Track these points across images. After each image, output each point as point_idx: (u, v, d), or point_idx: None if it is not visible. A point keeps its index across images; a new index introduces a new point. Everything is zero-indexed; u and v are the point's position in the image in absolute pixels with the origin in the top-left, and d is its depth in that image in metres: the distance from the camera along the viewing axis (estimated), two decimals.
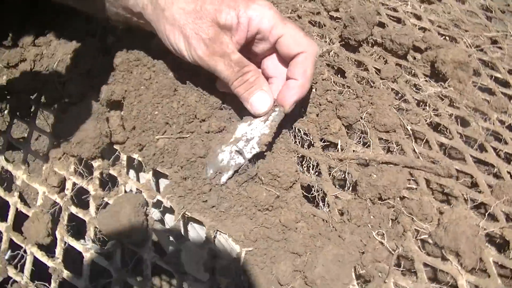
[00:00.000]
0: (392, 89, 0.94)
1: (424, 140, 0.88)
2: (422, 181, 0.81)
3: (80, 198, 0.84)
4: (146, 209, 0.79)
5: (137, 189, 0.84)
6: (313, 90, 0.92)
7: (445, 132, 0.89)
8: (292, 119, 0.88)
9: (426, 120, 0.89)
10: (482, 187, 0.81)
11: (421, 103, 0.93)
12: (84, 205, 0.83)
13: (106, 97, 0.84)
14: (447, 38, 1.09)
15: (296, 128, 0.89)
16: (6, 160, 0.90)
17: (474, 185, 0.82)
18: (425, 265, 0.73)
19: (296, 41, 0.75)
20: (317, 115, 0.90)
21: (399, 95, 0.94)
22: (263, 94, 0.75)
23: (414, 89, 0.96)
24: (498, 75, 1.01)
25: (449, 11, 1.15)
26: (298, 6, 1.10)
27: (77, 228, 0.82)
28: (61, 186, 0.85)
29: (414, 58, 1.02)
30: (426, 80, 0.97)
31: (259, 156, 0.77)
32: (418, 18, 1.13)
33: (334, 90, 0.92)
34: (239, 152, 0.75)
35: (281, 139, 0.85)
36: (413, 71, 1.00)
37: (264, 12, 0.73)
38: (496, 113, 0.92)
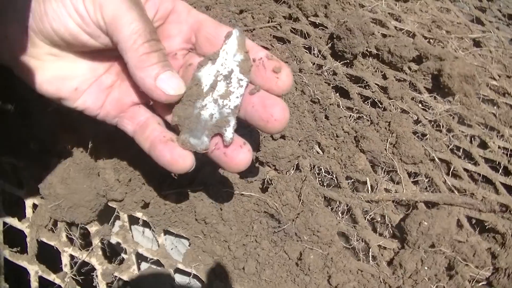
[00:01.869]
0: (402, 110, 0.93)
1: (451, 168, 0.88)
2: (464, 218, 0.82)
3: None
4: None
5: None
6: (323, 117, 0.88)
7: (467, 155, 0.91)
8: None
9: (448, 146, 0.90)
10: None
11: (433, 123, 0.94)
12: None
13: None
14: (431, 41, 1.10)
15: (317, 166, 0.84)
16: None
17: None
18: None
19: None
20: (336, 149, 0.86)
21: (409, 114, 0.93)
22: (175, 76, 0.59)
23: (420, 106, 0.96)
24: (494, 82, 1.04)
25: (426, 10, 1.17)
26: (274, 11, 1.04)
27: None
28: None
29: (410, 69, 1.02)
30: (432, 96, 0.97)
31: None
32: (397, 19, 1.13)
33: (346, 117, 0.89)
34: (228, 93, 0.61)
35: (306, 182, 0.80)
36: (413, 84, 0.99)
37: None
38: (506, 128, 0.96)
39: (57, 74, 0.60)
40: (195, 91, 0.60)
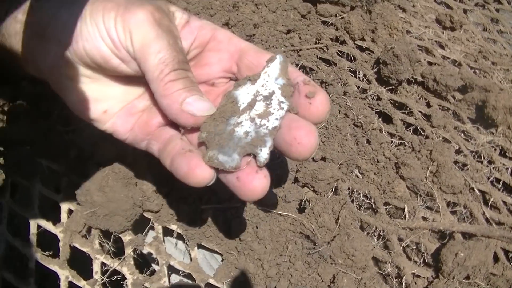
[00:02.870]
0: (444, 139, 0.94)
1: (490, 200, 0.88)
2: (501, 252, 0.82)
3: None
4: None
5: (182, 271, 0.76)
6: (365, 141, 0.89)
7: (506, 187, 0.91)
8: None
9: (488, 178, 0.90)
10: None
11: (474, 154, 0.94)
12: None
13: None
14: (476, 71, 1.10)
15: (355, 190, 0.85)
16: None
17: None
18: None
19: None
20: (376, 174, 0.87)
21: (452, 144, 0.93)
22: (203, 99, 0.57)
23: (462, 136, 0.96)
24: None
25: (473, 40, 1.17)
26: (321, 33, 1.06)
27: None
28: None
29: (454, 98, 1.02)
30: (474, 127, 0.97)
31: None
32: (444, 47, 1.14)
33: (388, 143, 0.90)
34: (267, 113, 0.57)
35: (344, 206, 0.82)
36: (457, 113, 1.00)
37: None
38: None
39: (88, 96, 0.60)
40: (230, 108, 0.57)
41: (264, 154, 0.54)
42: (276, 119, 0.55)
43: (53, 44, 0.57)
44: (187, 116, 0.55)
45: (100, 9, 0.55)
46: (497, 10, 1.33)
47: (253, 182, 0.53)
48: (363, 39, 1.09)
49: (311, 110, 0.55)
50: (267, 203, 0.81)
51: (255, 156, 0.54)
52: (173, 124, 0.60)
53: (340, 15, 1.12)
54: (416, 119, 0.97)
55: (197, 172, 0.53)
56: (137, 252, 0.77)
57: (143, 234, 0.78)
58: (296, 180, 0.86)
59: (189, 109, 0.54)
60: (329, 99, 0.56)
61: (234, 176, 0.53)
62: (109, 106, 0.61)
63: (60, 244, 0.76)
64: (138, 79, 0.60)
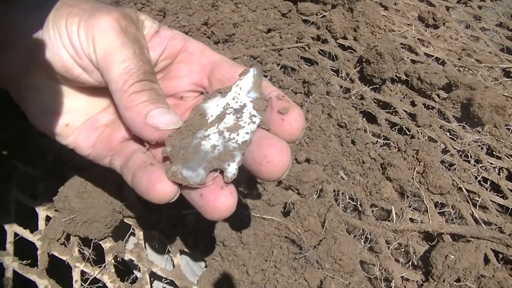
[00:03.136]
0: (430, 138, 0.92)
1: (479, 200, 0.86)
2: (491, 253, 0.80)
3: None
4: None
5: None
6: (350, 142, 0.86)
7: (494, 187, 0.89)
8: None
9: (476, 178, 0.88)
10: None
11: (461, 153, 0.92)
12: None
13: None
14: (461, 69, 1.09)
15: (341, 192, 0.83)
16: None
17: None
18: None
19: None
20: (362, 176, 0.85)
21: (438, 143, 0.92)
22: (169, 112, 0.52)
23: (448, 135, 0.94)
24: None
25: (456, 37, 1.15)
26: (303, 32, 1.03)
27: None
28: None
29: (439, 97, 1.00)
30: (460, 125, 0.95)
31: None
32: (427, 45, 1.12)
33: (373, 143, 0.88)
34: (237, 127, 0.53)
35: (330, 209, 0.79)
36: (442, 112, 0.98)
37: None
38: None
39: (50, 109, 0.56)
40: (197, 121, 0.53)
41: (232, 169, 0.50)
42: (247, 133, 0.51)
43: (14, 51, 0.53)
44: (151, 130, 0.50)
45: (64, 14, 0.52)
46: (480, 7, 1.32)
47: (218, 200, 0.48)
48: (345, 38, 1.07)
49: (284, 127, 0.51)
50: (251, 207, 0.78)
51: (222, 172, 0.49)
52: (137, 139, 0.55)
53: (321, 14, 1.10)
54: (401, 118, 0.95)
55: (158, 187, 0.48)
56: (118, 259, 0.74)
57: (124, 241, 0.76)
58: (280, 183, 0.83)
59: (153, 122, 0.50)
60: (303, 116, 0.52)
61: (198, 193, 0.49)
62: (71, 119, 0.57)
63: (38, 252, 0.73)
64: (103, 91, 0.56)
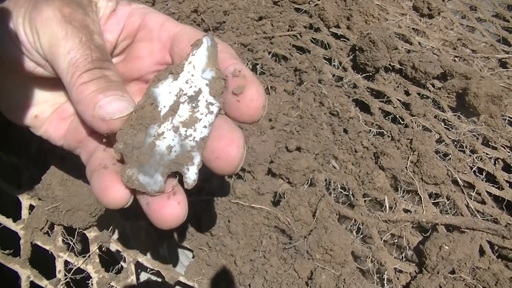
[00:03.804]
0: (424, 127, 0.90)
1: (474, 191, 0.84)
2: (486, 244, 0.78)
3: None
4: None
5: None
6: (342, 131, 0.84)
7: (489, 178, 0.87)
8: None
9: (471, 168, 0.86)
10: None
11: (455, 143, 0.90)
12: None
13: None
14: (456, 59, 1.07)
15: (332, 181, 0.81)
16: None
17: None
18: None
19: None
20: (354, 165, 0.83)
21: (432, 133, 0.90)
22: (122, 99, 0.47)
23: (443, 124, 0.93)
24: None
25: (451, 27, 1.14)
26: (295, 20, 1.01)
27: None
28: None
29: (434, 86, 0.98)
30: (455, 115, 0.93)
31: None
32: (422, 35, 1.10)
33: (366, 132, 0.86)
34: (193, 120, 0.47)
35: (321, 198, 0.77)
36: (437, 101, 0.96)
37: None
38: None
39: (18, 101, 0.54)
40: (149, 113, 0.47)
41: (191, 174, 0.46)
42: (205, 126, 0.46)
43: None
44: (98, 121, 0.45)
45: (11, 5, 0.48)
46: None
47: (163, 210, 0.45)
48: (338, 26, 1.05)
49: (241, 109, 0.46)
50: (240, 196, 0.76)
51: (181, 174, 0.46)
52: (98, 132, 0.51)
53: (314, 2, 1.08)
54: (394, 107, 0.93)
55: (109, 193, 0.45)
56: (103, 249, 0.73)
57: (109, 230, 0.73)
58: (270, 171, 0.81)
59: (100, 113, 0.45)
60: (262, 91, 0.46)
61: (145, 200, 0.46)
62: (40, 110, 0.55)
63: (21, 242, 0.72)
64: None
